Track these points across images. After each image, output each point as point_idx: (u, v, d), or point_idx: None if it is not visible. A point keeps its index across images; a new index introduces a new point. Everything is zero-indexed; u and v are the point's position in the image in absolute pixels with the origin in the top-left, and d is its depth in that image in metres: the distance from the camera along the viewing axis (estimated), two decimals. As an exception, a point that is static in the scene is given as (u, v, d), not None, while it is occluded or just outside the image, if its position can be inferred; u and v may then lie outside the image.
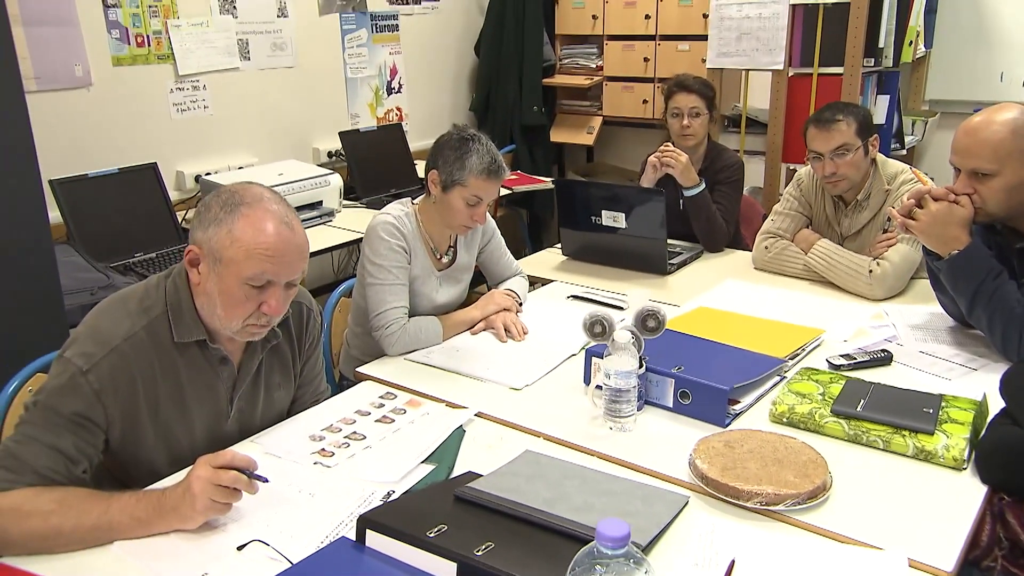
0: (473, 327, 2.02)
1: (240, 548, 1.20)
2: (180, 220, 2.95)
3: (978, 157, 1.70)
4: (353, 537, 1.19)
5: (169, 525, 1.22)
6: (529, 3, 4.42)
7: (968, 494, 1.32)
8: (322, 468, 1.43)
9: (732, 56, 3.32)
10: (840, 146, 2.21)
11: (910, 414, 1.46)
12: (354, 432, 1.56)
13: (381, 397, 1.71)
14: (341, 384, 2.10)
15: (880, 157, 2.34)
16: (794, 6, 3.15)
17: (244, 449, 1.46)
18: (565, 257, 2.64)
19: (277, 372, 1.57)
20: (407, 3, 4.32)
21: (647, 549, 1.18)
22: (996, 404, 1.50)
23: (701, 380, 1.57)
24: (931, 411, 1.47)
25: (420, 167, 3.92)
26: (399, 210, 2.00)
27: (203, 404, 1.45)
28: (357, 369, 1.84)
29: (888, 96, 3.22)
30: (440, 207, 1.96)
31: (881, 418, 1.46)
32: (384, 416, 1.62)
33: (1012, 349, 1.71)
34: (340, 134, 3.66)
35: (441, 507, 1.23)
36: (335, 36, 3.96)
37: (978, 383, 1.66)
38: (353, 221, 3.19)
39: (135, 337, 1.36)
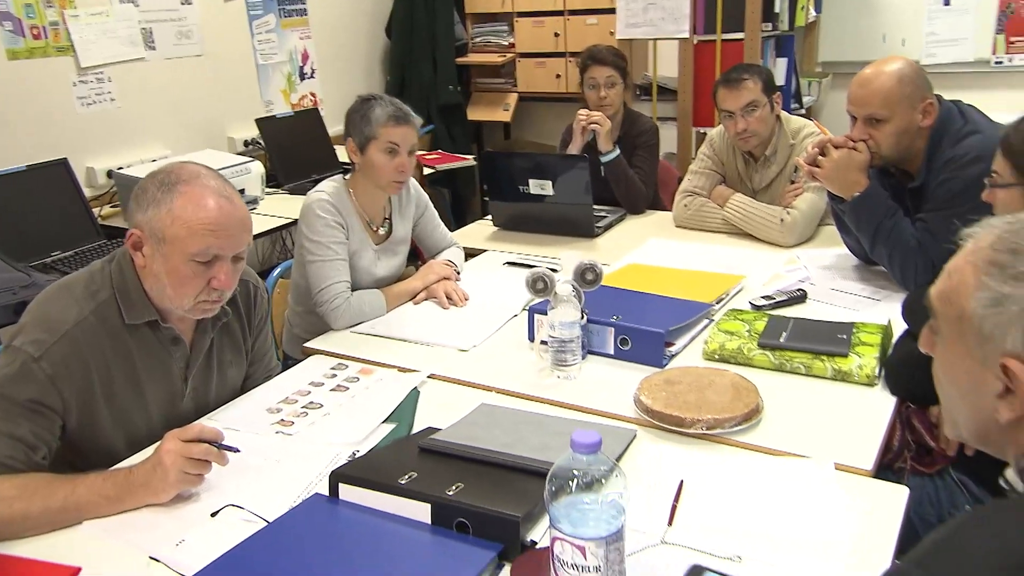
0: (415, 297, 2.07)
1: (214, 514, 1.23)
2: (97, 216, 2.87)
3: (871, 105, 1.86)
4: (326, 493, 1.24)
5: (140, 500, 1.24)
6: (438, -17, 4.44)
7: (880, 405, 1.47)
8: (284, 437, 1.46)
9: (640, 26, 3.45)
10: (749, 103, 2.35)
11: (827, 341, 1.61)
12: (311, 402, 1.59)
13: (332, 368, 1.74)
14: (286, 364, 2.11)
15: (783, 114, 2.50)
16: (696, -24, 3.30)
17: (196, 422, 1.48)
18: (496, 228, 2.71)
19: (228, 350, 1.58)
20: (310, -14, 4.27)
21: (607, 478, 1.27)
22: (900, 327, 1.66)
23: (638, 326, 1.67)
24: (845, 337, 1.62)
25: (340, 151, 3.92)
26: (332, 187, 2.02)
27: (158, 384, 1.46)
28: (305, 344, 1.87)
29: (785, 59, 3.42)
30: (365, 171, 1.99)
31: (802, 346, 1.60)
32: (338, 385, 1.66)
33: (909, 279, 1.89)
34: (257, 121, 3.61)
35: (408, 459, 1.29)
36: (242, 22, 3.89)
37: (883, 311, 1.82)
38: (278, 208, 3.17)
39: (85, 322, 1.35)
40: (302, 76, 4.27)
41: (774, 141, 2.46)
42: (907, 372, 1.51)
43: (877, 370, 1.53)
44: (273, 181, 3.48)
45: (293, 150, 3.68)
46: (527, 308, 1.86)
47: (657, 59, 3.76)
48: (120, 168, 3.12)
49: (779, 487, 1.24)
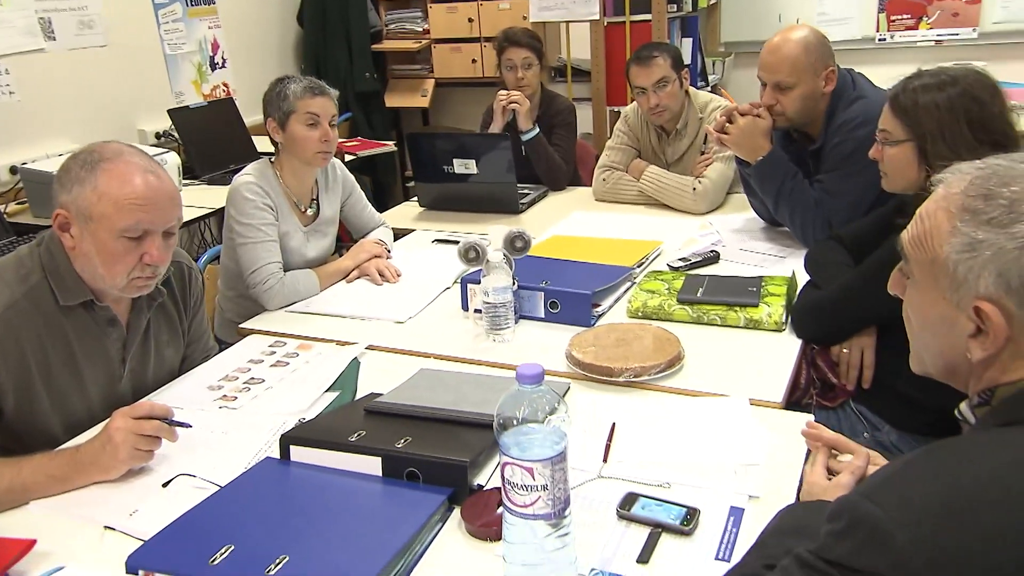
0: (347, 276, 2.11)
1: (166, 484, 1.25)
2: (2, 213, 2.78)
3: (780, 72, 2.02)
4: (277, 456, 1.28)
5: (88, 478, 1.25)
6: (349, -30, 4.42)
7: (788, 348, 1.61)
8: (228, 411, 1.49)
9: (552, 9, 3.55)
10: (660, 79, 2.48)
11: (739, 294, 1.74)
12: (252, 378, 1.62)
13: (271, 346, 1.77)
14: (220, 348, 2.11)
15: (692, 90, 2.64)
16: (603, -40, 3.43)
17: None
18: (422, 209, 2.77)
19: (165, 331, 1.59)
20: (222, -26, 4.20)
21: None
22: (803, 278, 1.81)
23: (566, 289, 1.77)
24: (754, 290, 1.76)
25: (258, 141, 3.88)
26: (258, 169, 2.04)
27: (95, 366, 1.46)
28: (241, 326, 1.89)
29: (691, 39, 3.58)
30: (290, 147, 2.02)
31: (717, 300, 1.73)
32: (278, 361, 1.69)
33: (809, 236, 2.05)
34: (169, 112, 3.54)
35: (355, 420, 1.35)
36: (147, 11, 3.79)
37: (787, 266, 1.98)
38: (197, 198, 3.13)
39: (17, 306, 1.35)
40: (213, 66, 4.19)
41: (684, 115, 2.60)
42: (810, 317, 1.66)
43: (784, 317, 1.67)
44: (189, 173, 3.42)
45: (209, 141, 3.62)
46: (459, 280, 1.93)
47: (570, 41, 3.86)
48: (24, 164, 3.01)
49: (701, 423, 1.35)
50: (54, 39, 3.34)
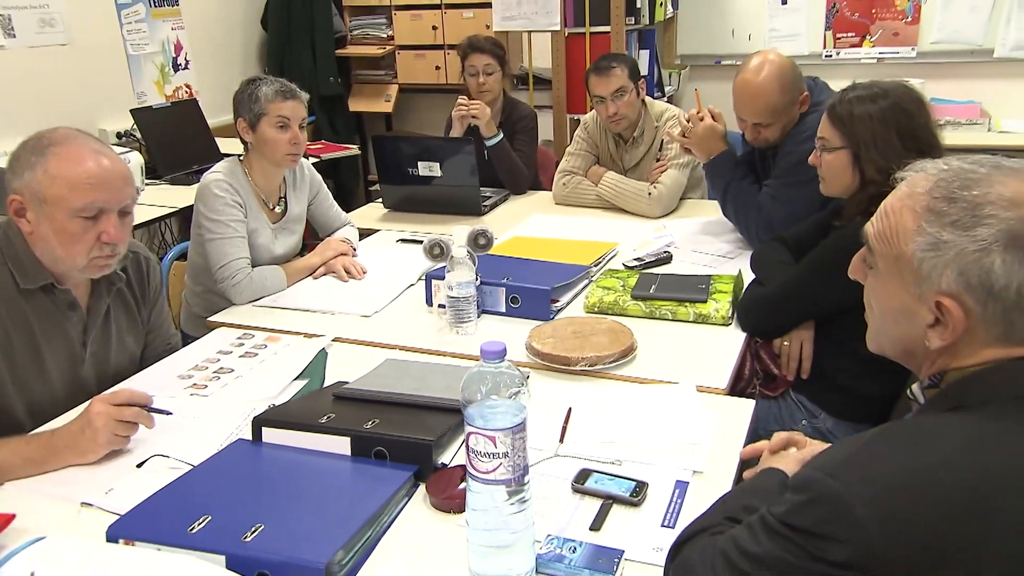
0: (314, 272, 2.16)
1: (140, 465, 1.30)
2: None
3: (759, 116, 2.11)
4: (249, 438, 1.33)
5: (64, 462, 1.29)
6: (314, -25, 4.47)
7: (733, 341, 1.72)
8: (199, 398, 1.54)
9: (515, 19, 3.65)
10: (618, 88, 2.59)
11: (689, 290, 1.85)
12: (221, 368, 1.67)
13: (239, 338, 1.82)
14: (185, 342, 2.14)
15: (648, 99, 2.75)
16: (563, -28, 3.55)
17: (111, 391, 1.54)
18: (386, 210, 2.83)
19: (124, 318, 1.62)
20: (184, -25, 4.21)
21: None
22: (749, 278, 1.93)
23: (527, 285, 1.85)
24: (704, 287, 1.86)
25: (222, 143, 3.90)
26: (227, 167, 2.09)
27: (56, 350, 1.48)
28: (209, 319, 1.93)
29: (648, 51, 3.71)
30: (259, 148, 2.07)
31: (668, 295, 1.83)
32: (247, 352, 1.74)
33: (752, 234, 2.17)
34: (132, 111, 3.54)
35: (324, 405, 1.41)
36: (110, 11, 3.79)
37: (735, 266, 2.09)
38: (161, 198, 3.15)
39: None
40: (176, 67, 4.20)
41: (641, 123, 2.71)
42: (754, 312, 1.77)
43: (730, 312, 1.78)
44: (152, 173, 3.43)
45: (172, 141, 3.63)
46: (423, 276, 2.00)
47: (532, 50, 3.97)
48: (-16, 160, 3.00)
49: (651, 407, 1.45)
50: (13, 36, 3.33)
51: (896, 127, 1.61)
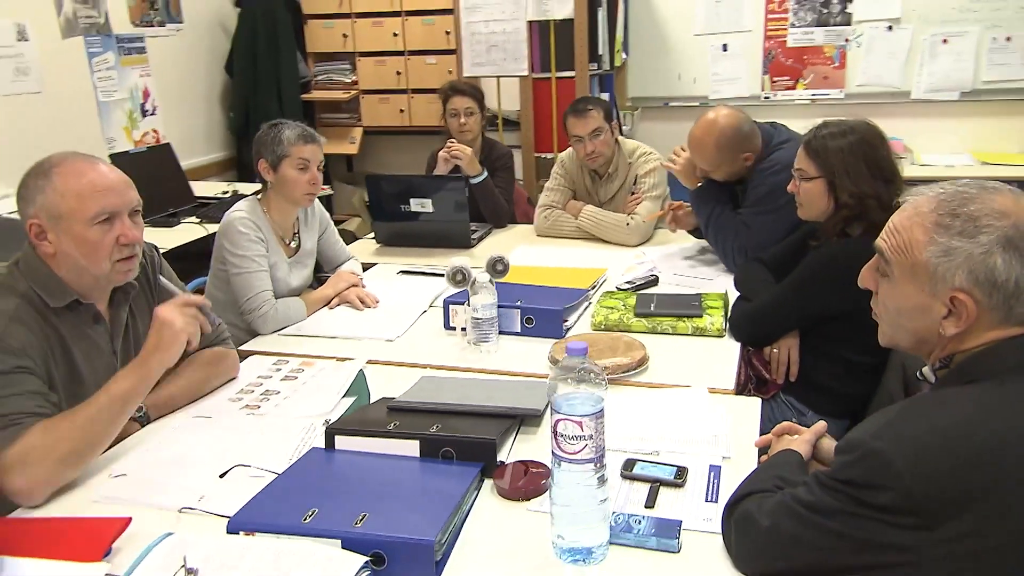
0: (329, 303, 2.29)
1: (223, 475, 1.41)
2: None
3: (702, 163, 2.42)
4: (322, 446, 1.46)
5: (158, 364, 1.48)
6: (280, 24, 4.62)
7: (730, 349, 1.93)
8: (256, 417, 1.65)
9: (484, 65, 3.88)
10: (595, 129, 2.82)
11: (685, 307, 2.06)
12: (266, 391, 1.78)
13: (274, 364, 1.93)
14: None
15: (620, 138, 3.00)
16: (531, 22, 3.80)
17: (171, 418, 1.64)
18: (379, 245, 2.97)
19: (148, 318, 1.65)
20: (152, 25, 4.31)
21: (542, 415, 1.59)
22: (732, 295, 2.16)
23: (540, 306, 2.03)
24: (696, 304, 2.08)
25: (196, 186, 3.99)
26: (248, 206, 2.21)
27: (92, 363, 1.55)
28: (240, 348, 2.03)
29: (608, 93, 3.99)
30: (280, 187, 2.21)
31: (668, 312, 2.04)
32: (286, 376, 1.86)
33: (729, 259, 2.42)
34: (111, 156, 3.59)
35: (383, 416, 1.54)
36: (81, 59, 3.86)
37: (715, 286, 2.32)
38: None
39: (20, 307, 1.46)
40: (144, 113, 4.27)
41: (615, 160, 2.95)
42: (745, 324, 1.99)
43: (724, 324, 2.00)
44: (131, 216, 3.48)
45: (146, 185, 3.64)
46: (433, 303, 2.15)
47: (500, 94, 4.20)
48: (-42, 209, 3.01)
49: (672, 407, 1.63)
50: (-11, 85, 3.36)
51: (864, 158, 1.87)
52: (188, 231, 3.38)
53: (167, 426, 1.62)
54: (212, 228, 3.38)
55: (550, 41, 3.78)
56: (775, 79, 4.49)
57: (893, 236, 1.12)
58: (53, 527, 1.22)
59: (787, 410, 1.99)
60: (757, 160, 2.40)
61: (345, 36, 4.72)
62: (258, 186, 4.05)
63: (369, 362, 1.92)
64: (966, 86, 4.20)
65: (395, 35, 4.63)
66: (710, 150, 2.37)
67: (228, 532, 1.18)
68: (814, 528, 1.04)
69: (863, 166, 1.84)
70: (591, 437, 1.13)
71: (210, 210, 3.68)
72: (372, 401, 1.71)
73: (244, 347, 2.04)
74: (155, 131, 4.34)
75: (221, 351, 1.79)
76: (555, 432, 1.15)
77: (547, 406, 1.62)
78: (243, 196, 3.75)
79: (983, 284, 1.03)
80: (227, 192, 4.04)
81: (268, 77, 4.67)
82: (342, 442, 1.45)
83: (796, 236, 2.14)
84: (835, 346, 1.93)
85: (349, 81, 4.83)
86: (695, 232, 2.68)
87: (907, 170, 4.00)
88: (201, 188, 4.13)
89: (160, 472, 1.43)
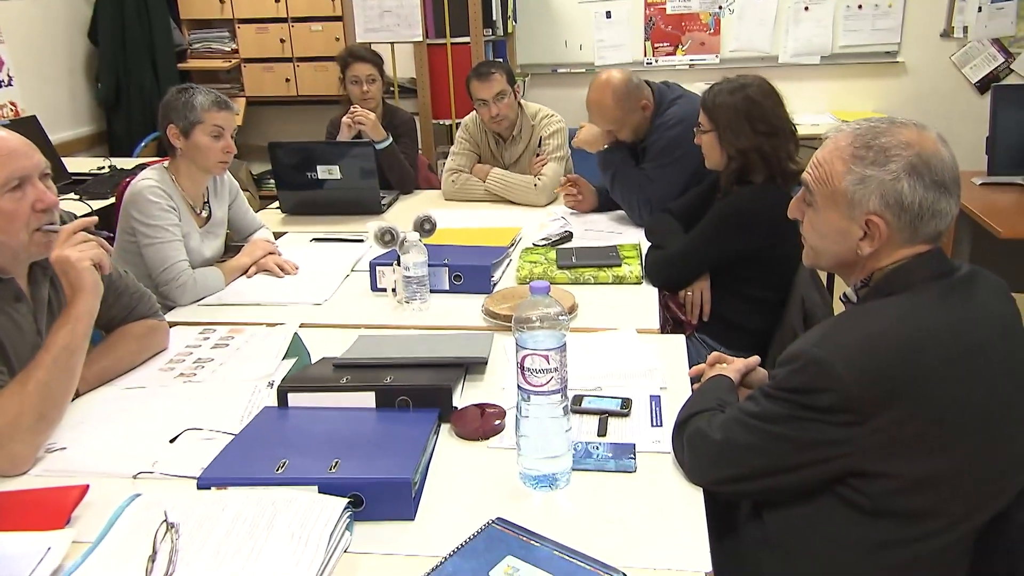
0: (247, 272, 2.23)
1: (173, 440, 1.38)
2: None
3: (604, 123, 2.53)
4: (274, 405, 1.45)
5: (85, 303, 1.42)
6: (149, -12, 4.35)
7: (649, 295, 2.05)
8: (194, 384, 1.61)
9: (378, 31, 3.83)
10: (499, 92, 2.87)
11: (605, 258, 2.16)
12: (198, 359, 1.73)
13: (201, 334, 1.87)
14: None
15: (523, 101, 3.06)
16: (424, -13, 3.79)
17: (102, 391, 1.58)
18: (285, 215, 2.91)
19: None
20: (0, -12, 3.96)
21: (487, 363, 1.64)
22: (645, 245, 2.28)
23: (468, 263, 2.08)
24: (614, 254, 2.19)
25: (68, 162, 3.73)
26: (156, 174, 2.11)
27: (17, 343, 1.47)
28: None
29: (501, 59, 4.03)
30: (191, 154, 2.13)
31: (589, 263, 2.13)
32: (216, 344, 1.81)
33: (635, 213, 2.56)
34: (-29, 130, 3.30)
35: (331, 373, 1.55)
36: (-75, 25, 3.51)
37: (630, 238, 2.44)
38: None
39: None
40: (-1, 84, 3.93)
41: (519, 123, 3.01)
42: (661, 270, 2.12)
43: (641, 271, 2.12)
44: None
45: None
46: (354, 267, 2.15)
47: (395, 60, 4.16)
48: None
49: (607, 348, 1.73)
50: None
51: (747, 115, 2.01)
52: (70, 209, 3.16)
53: (97, 399, 1.55)
54: (97, 204, 3.19)
55: (444, 6, 3.77)
56: (656, 45, 4.68)
57: (816, 169, 1.24)
58: (6, 500, 1.16)
59: (702, 347, 2.14)
60: (654, 117, 2.53)
61: (222, 1, 4.51)
62: (139, 161, 3.88)
63: (302, 325, 1.91)
64: (826, 51, 4.55)
65: (277, 0, 4.46)
66: (610, 106, 2.49)
67: (199, 488, 1.17)
68: (763, 434, 1.15)
69: (745, 122, 1.99)
70: (556, 370, 1.20)
71: (90, 186, 3.47)
72: (313, 362, 1.71)
73: (168, 317, 1.96)
74: (12, 103, 4.01)
75: (153, 323, 1.73)
76: (522, 367, 1.21)
77: (490, 353, 1.69)
78: (123, 171, 3.59)
79: (893, 207, 1.17)
80: (104, 168, 3.81)
81: (139, 46, 4.40)
82: (295, 399, 1.45)
83: (703, 187, 2.29)
84: (742, 285, 2.09)
85: (229, 50, 4.62)
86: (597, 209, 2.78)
87: (779, 130, 4.32)
88: (73, 164, 3.86)
89: (102, 443, 1.38)
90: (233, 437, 1.34)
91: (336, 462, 1.21)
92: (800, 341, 1.17)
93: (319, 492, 1.15)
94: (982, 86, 4.40)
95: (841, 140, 1.21)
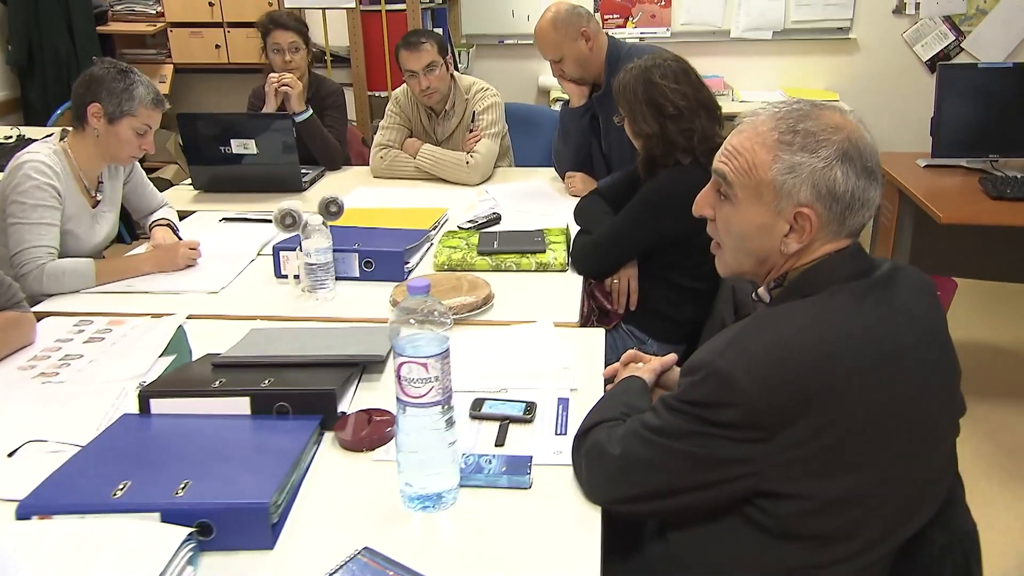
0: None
1: (11, 454, 1.21)
2: None
3: (547, 52, 2.46)
4: (135, 412, 1.29)
5: None
6: (60, -56, 4.05)
7: (573, 283, 1.92)
8: (54, 385, 1.44)
9: (308, -4, 3.60)
10: (429, 63, 2.69)
11: (528, 243, 2.03)
12: (66, 355, 1.57)
13: (75, 326, 1.70)
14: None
15: (456, 74, 2.89)
16: (357, -51, 3.56)
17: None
18: (197, 192, 2.71)
19: None
20: None
21: (385, 360, 1.51)
22: (574, 229, 2.15)
23: (379, 249, 1.92)
24: (539, 239, 2.05)
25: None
26: (48, 150, 1.92)
27: None
28: (35, 309, 1.77)
29: (441, 28, 3.84)
30: (105, 140, 1.94)
31: (511, 249, 2.00)
32: (91, 337, 1.64)
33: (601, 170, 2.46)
34: None
35: (207, 374, 1.39)
36: None
37: (560, 220, 2.31)
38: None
39: None
40: None
41: (452, 96, 2.84)
42: (586, 257, 1.99)
43: (566, 259, 1.99)
44: None
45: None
46: (261, 250, 1.99)
47: (327, 28, 3.93)
48: None
49: (519, 343, 1.60)
50: None
51: (645, 98, 1.87)
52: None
53: (-61, 404, 1.38)
54: (-3, 177, 2.96)
55: (378, -30, 3.56)
56: (606, 17, 4.51)
57: (735, 158, 1.09)
58: None
59: (628, 339, 2.02)
60: (612, 63, 2.43)
61: (145, -40, 4.22)
62: (51, 130, 3.62)
63: (190, 317, 1.74)
64: (778, 25, 4.43)
65: (205, -39, 4.20)
66: (548, 31, 2.45)
67: (18, 518, 1.01)
68: (663, 451, 1.04)
69: (643, 105, 1.86)
70: (437, 379, 1.07)
71: (-8, 156, 3.21)
72: (195, 359, 1.55)
73: (39, 307, 1.78)
74: (-92, 66, 3.71)
75: (14, 315, 1.56)
76: (399, 376, 1.07)
77: (390, 351, 1.54)
78: (31, 141, 3.34)
79: (825, 197, 1.04)
80: (11, 137, 3.54)
81: (52, 5, 4.11)
82: (158, 405, 1.29)
83: (630, 169, 2.15)
84: (670, 272, 1.98)
85: (154, 13, 4.34)
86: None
87: (728, 106, 4.19)
88: (-20, 138, 3.59)
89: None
90: (76, 452, 1.18)
91: (186, 483, 1.06)
92: (705, 349, 1.04)
93: (162, 520, 1.01)
94: (932, 64, 4.33)
95: (761, 125, 1.08)
